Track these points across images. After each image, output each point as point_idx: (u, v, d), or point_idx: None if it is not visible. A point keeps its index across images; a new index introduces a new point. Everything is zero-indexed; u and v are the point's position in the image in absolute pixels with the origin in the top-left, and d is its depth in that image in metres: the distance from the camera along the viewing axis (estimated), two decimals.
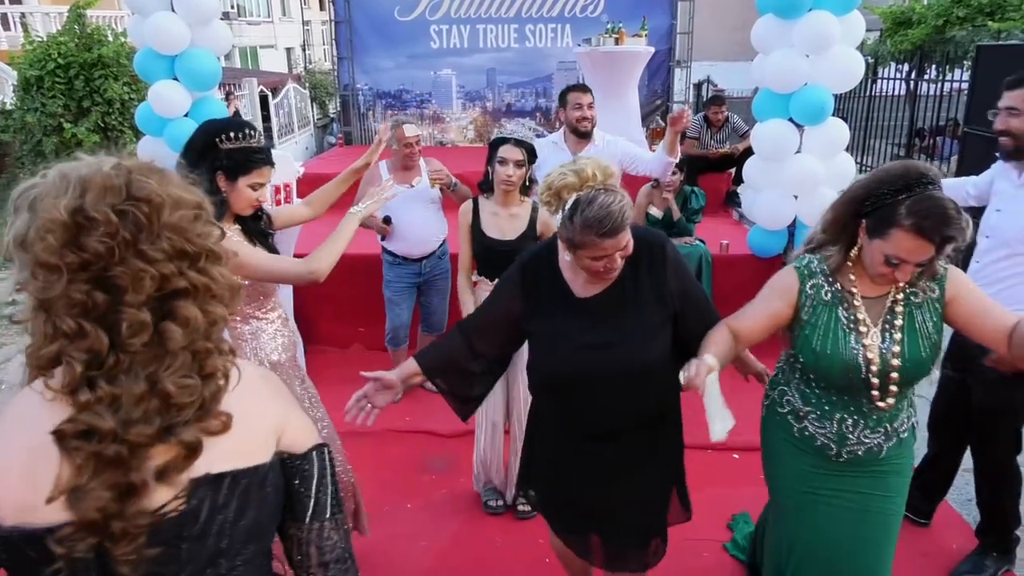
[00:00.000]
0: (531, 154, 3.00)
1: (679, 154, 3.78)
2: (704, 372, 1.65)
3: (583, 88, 3.89)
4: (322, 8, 27.62)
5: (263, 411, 1.07)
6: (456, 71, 8.21)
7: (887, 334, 1.81)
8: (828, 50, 4.08)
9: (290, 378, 2.44)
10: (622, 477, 1.98)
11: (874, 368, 1.79)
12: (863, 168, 11.04)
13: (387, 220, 3.93)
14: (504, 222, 3.04)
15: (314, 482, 1.10)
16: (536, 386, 2.05)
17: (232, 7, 23.93)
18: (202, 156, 2.20)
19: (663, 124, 8.01)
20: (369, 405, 1.89)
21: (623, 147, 3.85)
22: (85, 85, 9.15)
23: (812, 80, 4.17)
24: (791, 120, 4.30)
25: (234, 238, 2.26)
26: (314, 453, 1.11)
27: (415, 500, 3.29)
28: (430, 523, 3.10)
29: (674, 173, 4.65)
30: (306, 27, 24.29)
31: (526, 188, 3.06)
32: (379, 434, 3.77)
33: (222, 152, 2.19)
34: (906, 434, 1.94)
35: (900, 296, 1.83)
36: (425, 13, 7.98)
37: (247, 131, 2.22)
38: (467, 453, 3.32)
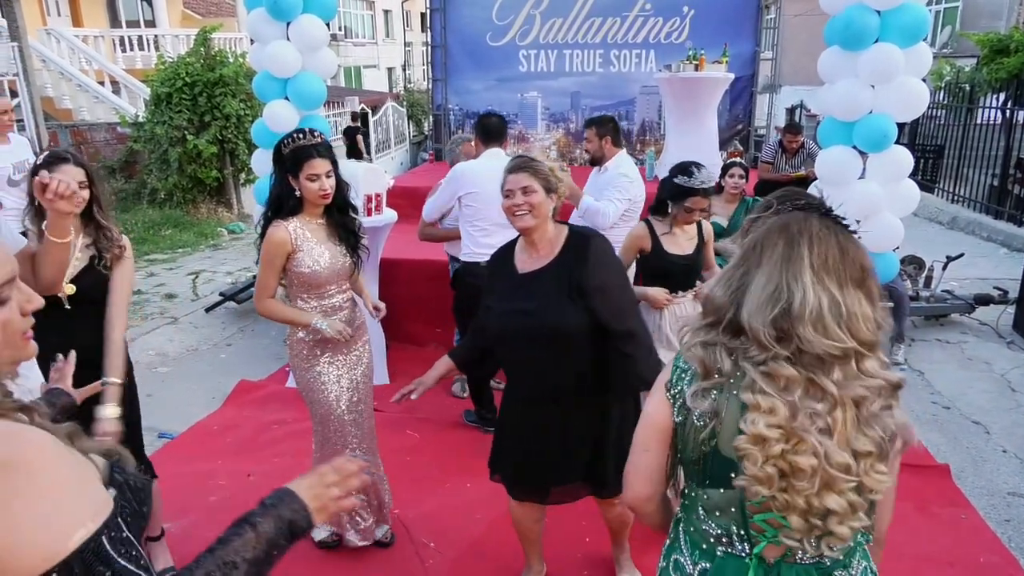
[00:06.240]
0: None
1: (578, 201, 3.84)
2: None
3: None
4: (423, 30, 28.75)
5: None
6: (542, 94, 8.60)
7: None
8: (892, 80, 4.23)
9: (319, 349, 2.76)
10: (568, 437, 2.35)
11: None
12: (956, 199, 10.70)
13: None
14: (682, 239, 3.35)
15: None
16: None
17: (340, 28, 25.36)
18: (279, 165, 2.62)
19: (741, 148, 8.15)
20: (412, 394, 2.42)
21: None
22: (207, 101, 10.12)
23: (876, 109, 4.31)
24: (855, 147, 4.45)
25: (306, 233, 2.61)
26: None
27: (474, 480, 3.63)
28: (489, 498, 3.42)
29: (742, 177, 4.73)
30: (407, 48, 25.37)
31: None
32: (449, 422, 4.19)
33: (285, 156, 2.59)
34: None
35: None
36: (515, 39, 8.41)
37: (299, 134, 2.60)
38: None
